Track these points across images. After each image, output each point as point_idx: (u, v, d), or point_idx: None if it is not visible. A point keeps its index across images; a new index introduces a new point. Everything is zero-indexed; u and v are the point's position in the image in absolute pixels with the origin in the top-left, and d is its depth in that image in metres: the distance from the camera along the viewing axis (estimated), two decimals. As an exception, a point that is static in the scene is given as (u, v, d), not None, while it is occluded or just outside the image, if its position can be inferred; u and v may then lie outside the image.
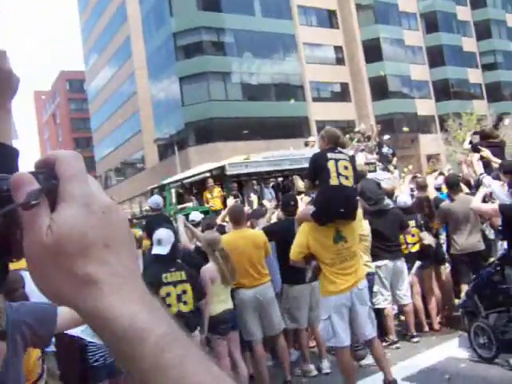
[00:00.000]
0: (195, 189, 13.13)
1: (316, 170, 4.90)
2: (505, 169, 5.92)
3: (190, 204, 11.80)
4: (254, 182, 12.83)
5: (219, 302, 5.04)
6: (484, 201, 5.61)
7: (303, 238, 4.78)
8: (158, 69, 40.73)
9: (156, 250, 4.74)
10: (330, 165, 4.73)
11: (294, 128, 39.26)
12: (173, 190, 12.84)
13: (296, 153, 13.55)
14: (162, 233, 4.81)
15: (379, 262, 6.39)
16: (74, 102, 66.71)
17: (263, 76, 39.56)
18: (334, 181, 4.69)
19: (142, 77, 43.09)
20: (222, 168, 11.91)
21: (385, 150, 13.26)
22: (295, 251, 4.80)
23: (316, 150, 13.12)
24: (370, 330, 4.95)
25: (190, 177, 13.70)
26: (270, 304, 5.53)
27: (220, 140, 34.60)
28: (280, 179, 13.92)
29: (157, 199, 8.72)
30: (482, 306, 5.60)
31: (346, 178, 4.78)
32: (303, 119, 40.48)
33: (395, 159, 13.45)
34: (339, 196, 4.70)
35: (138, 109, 44.59)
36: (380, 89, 42.72)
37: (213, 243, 5.12)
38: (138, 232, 7.50)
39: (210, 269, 5.06)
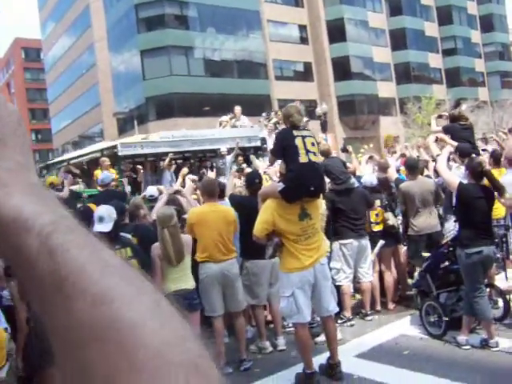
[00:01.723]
0: (86, 170, 12.24)
1: (283, 148, 4.89)
2: (460, 152, 6.05)
3: (76, 186, 10.88)
4: (161, 163, 11.78)
5: (171, 281, 4.94)
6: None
7: (268, 214, 4.77)
8: (118, 41, 39.65)
9: (98, 228, 4.52)
10: (298, 142, 4.74)
11: (256, 106, 38.97)
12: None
13: (204, 133, 13.20)
14: (102, 210, 4.65)
15: (345, 241, 6.47)
16: (29, 72, 64.36)
17: (226, 52, 39.09)
18: (303, 158, 4.71)
19: (102, 48, 41.89)
20: (114, 148, 11.42)
21: None
22: (260, 227, 4.79)
23: (229, 129, 12.88)
24: (333, 306, 5.06)
25: (78, 157, 13.11)
26: (234, 280, 5.55)
27: (181, 115, 34.13)
28: (197, 161, 12.93)
29: (103, 175, 8.48)
30: (434, 285, 5.77)
31: (314, 154, 4.84)
32: (265, 97, 40.27)
33: None
34: (310, 174, 4.75)
35: (98, 81, 43.40)
36: (342, 70, 42.86)
37: (163, 220, 4.93)
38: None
39: (157, 247, 4.97)
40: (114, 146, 11.42)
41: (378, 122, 44.26)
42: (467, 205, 5.21)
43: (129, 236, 5.18)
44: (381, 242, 6.98)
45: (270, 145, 11.17)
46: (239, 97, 37.69)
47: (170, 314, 0.43)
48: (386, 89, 45.69)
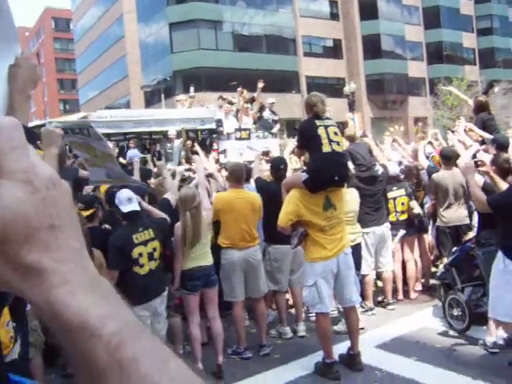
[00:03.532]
0: None
1: (306, 138, 4.86)
2: (498, 144, 5.83)
3: None
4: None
5: (191, 259, 4.99)
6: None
7: (293, 205, 4.76)
8: (147, 13, 39.47)
9: (129, 208, 4.58)
10: (321, 131, 4.71)
11: (284, 82, 38.72)
12: None
13: (151, 113, 12.36)
14: (128, 191, 4.67)
15: (367, 229, 6.43)
16: (59, 42, 64.68)
17: (255, 27, 38.63)
18: (326, 148, 4.68)
19: (131, 20, 41.78)
20: (43, 126, 10.95)
21: (266, 114, 11.44)
22: (285, 218, 4.78)
23: (191, 109, 11.83)
24: (356, 296, 5.07)
25: None
26: (257, 266, 5.56)
27: (207, 90, 34.00)
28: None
29: (130, 153, 8.30)
30: (459, 279, 5.69)
31: (338, 143, 4.80)
32: (293, 74, 39.91)
33: (277, 126, 11.70)
34: (333, 164, 4.72)
35: (126, 53, 43.42)
36: (373, 48, 42.04)
37: (185, 201, 4.91)
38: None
39: (179, 227, 5.00)
40: (43, 125, 10.51)
41: (407, 102, 43.49)
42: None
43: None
44: (402, 232, 6.91)
45: (226, 127, 10.60)
46: (267, 72, 37.34)
47: None
48: (417, 68, 44.73)
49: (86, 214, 5.08)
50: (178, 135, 10.20)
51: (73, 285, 0.46)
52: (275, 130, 11.37)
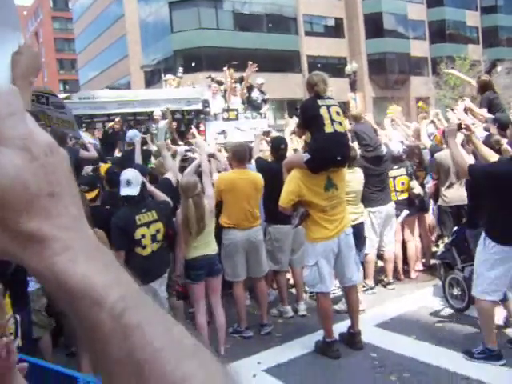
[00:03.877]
0: None
1: (308, 118, 4.84)
2: (500, 123, 5.78)
3: None
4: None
5: (195, 248, 4.91)
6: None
7: (294, 185, 4.75)
8: (147, -9, 39.05)
9: (125, 192, 4.51)
10: (323, 111, 4.69)
11: (285, 62, 38.45)
12: None
13: (136, 93, 12.08)
14: (130, 173, 4.60)
15: (373, 209, 6.44)
16: (57, 21, 64.01)
17: (256, 6, 38.20)
18: (328, 128, 4.66)
19: (130, -2, 41.32)
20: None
21: (255, 94, 11.10)
22: (286, 198, 4.78)
23: (177, 89, 11.48)
24: (356, 275, 5.10)
25: None
26: (259, 246, 5.58)
27: (208, 69, 33.69)
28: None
29: (130, 133, 8.09)
30: (460, 259, 5.71)
31: (340, 123, 4.78)
32: (294, 53, 39.58)
33: (266, 106, 11.30)
34: (336, 144, 4.71)
35: (125, 33, 43.00)
36: (375, 26, 41.58)
37: (187, 189, 4.78)
38: None
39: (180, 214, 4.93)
40: None
41: (409, 81, 43.17)
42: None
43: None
44: (405, 212, 6.92)
45: (213, 107, 10.40)
46: (268, 52, 37.13)
47: None
48: (419, 48, 44.28)
49: (90, 195, 4.98)
50: (164, 116, 9.96)
51: (75, 252, 0.46)
52: (264, 110, 11.11)
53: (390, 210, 6.61)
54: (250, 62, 11.02)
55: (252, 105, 10.98)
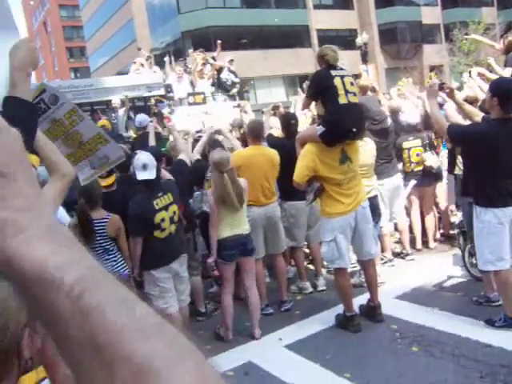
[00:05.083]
0: None
1: (321, 88, 4.72)
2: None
3: None
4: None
5: (227, 226, 4.83)
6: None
7: (309, 159, 4.67)
8: (151, -27, 38.67)
9: (143, 176, 4.45)
10: (337, 82, 4.58)
11: (295, 37, 38.00)
12: None
13: (91, 82, 11.70)
14: (145, 157, 4.52)
15: (381, 181, 6.39)
16: (65, 9, 63.85)
17: (262, -19, 37.69)
18: (342, 99, 4.56)
19: (135, -19, 40.97)
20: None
21: (224, 75, 10.73)
22: (301, 173, 4.71)
23: (136, 75, 11.01)
24: (374, 249, 5.09)
25: None
26: (277, 222, 5.57)
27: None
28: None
29: (139, 117, 8.00)
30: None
31: (354, 94, 4.69)
32: (303, 28, 39.04)
33: (236, 88, 10.89)
34: (351, 116, 4.61)
35: (133, 16, 42.72)
36: (384, -5, 40.77)
37: (221, 164, 4.68)
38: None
39: (214, 193, 4.83)
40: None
41: (422, 50, 42.34)
42: None
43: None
44: (412, 182, 6.85)
45: (178, 92, 10.11)
46: (277, 28, 36.76)
47: (213, 376, 0.43)
48: (431, 14, 43.22)
49: (108, 181, 4.91)
50: (123, 104, 9.67)
51: (30, 233, 0.44)
52: (234, 91, 10.75)
53: (396, 181, 6.56)
54: (219, 41, 10.75)
55: (221, 87, 10.62)
